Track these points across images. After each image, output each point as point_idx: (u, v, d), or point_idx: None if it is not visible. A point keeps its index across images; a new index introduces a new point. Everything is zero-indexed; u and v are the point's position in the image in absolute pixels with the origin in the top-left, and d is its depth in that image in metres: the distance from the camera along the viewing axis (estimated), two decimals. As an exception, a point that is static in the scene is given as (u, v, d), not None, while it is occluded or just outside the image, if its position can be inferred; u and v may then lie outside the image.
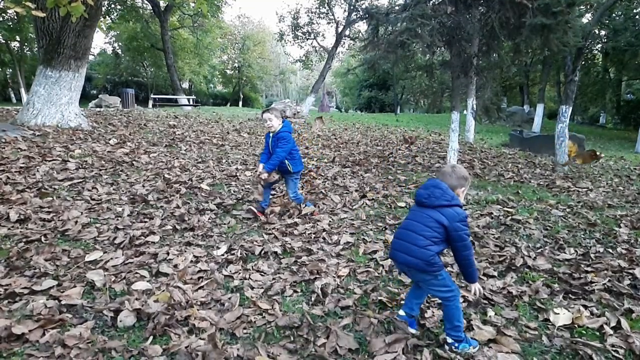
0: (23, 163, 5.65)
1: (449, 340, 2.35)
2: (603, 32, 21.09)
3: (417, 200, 2.41)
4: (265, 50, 45.05)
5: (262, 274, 3.28)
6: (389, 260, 3.55)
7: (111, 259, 3.34)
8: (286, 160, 4.39)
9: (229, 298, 2.85)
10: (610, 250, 3.88)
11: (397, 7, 7.07)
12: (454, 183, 2.40)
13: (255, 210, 4.53)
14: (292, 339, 2.45)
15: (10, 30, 23.32)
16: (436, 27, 5.74)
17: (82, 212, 4.25)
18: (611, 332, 2.53)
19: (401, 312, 2.55)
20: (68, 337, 2.30)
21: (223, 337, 2.42)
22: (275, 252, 3.66)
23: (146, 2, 26.19)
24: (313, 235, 4.10)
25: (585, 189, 6.52)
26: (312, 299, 2.91)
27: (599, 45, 23.81)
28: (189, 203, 4.86)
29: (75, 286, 2.87)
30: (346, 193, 5.62)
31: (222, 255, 3.56)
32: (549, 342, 2.47)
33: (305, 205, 4.75)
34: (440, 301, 2.43)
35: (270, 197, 4.84)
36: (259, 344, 2.35)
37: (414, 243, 2.26)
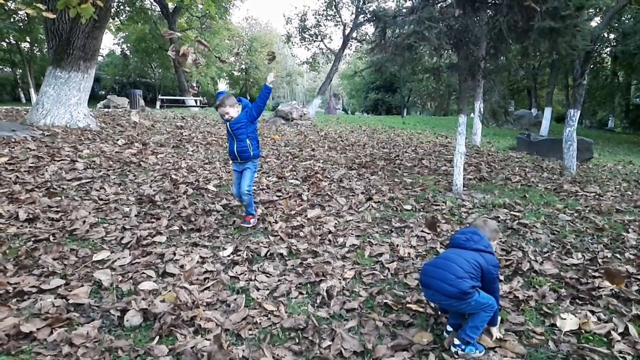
0: (32, 163, 5.70)
1: (456, 341, 2.35)
2: (612, 36, 20.95)
3: (455, 243, 2.55)
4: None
5: (268, 275, 3.29)
6: (395, 263, 3.55)
7: (118, 258, 3.37)
8: (248, 141, 4.16)
9: (235, 299, 2.86)
10: (618, 256, 3.85)
11: (404, 10, 7.06)
12: (487, 236, 2.57)
13: (249, 225, 4.31)
14: (297, 340, 2.45)
15: (21, 31, 23.56)
16: (444, 30, 5.72)
17: (90, 212, 4.29)
18: (619, 338, 2.51)
19: (449, 328, 2.55)
20: (75, 336, 2.32)
21: (228, 338, 2.43)
22: (281, 254, 3.67)
23: (155, 3, 26.37)
24: (319, 237, 4.10)
25: (593, 194, 6.47)
26: (318, 301, 2.91)
27: (608, 49, 23.66)
28: (195, 204, 4.88)
29: (82, 285, 2.90)
30: (352, 195, 5.62)
31: (228, 256, 3.58)
32: (555, 348, 2.45)
33: (250, 213, 4.37)
34: None
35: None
36: (264, 345, 2.36)
37: (452, 272, 2.32)
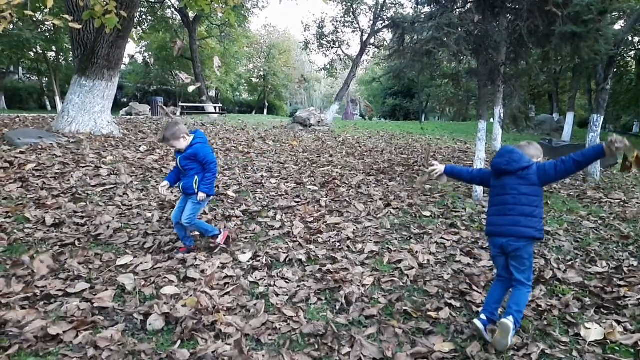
0: (58, 169, 5.86)
1: (510, 318, 2.36)
2: (637, 39, 20.46)
3: (497, 169, 2.58)
4: (290, 59, 45.47)
5: (287, 281, 3.31)
6: (414, 270, 3.53)
7: (141, 263, 3.43)
8: (196, 177, 3.60)
9: (255, 304, 2.89)
10: (645, 264, 3.75)
11: (422, 16, 7.06)
12: (532, 153, 2.62)
13: (182, 255, 3.66)
14: (316, 347, 2.46)
15: (48, 41, 24.27)
16: (463, 36, 5.70)
17: (113, 217, 4.39)
18: (646, 349, 2.45)
19: (482, 317, 2.54)
20: (100, 339, 2.37)
21: (249, 343, 2.45)
22: (300, 260, 3.68)
23: (176, 13, 26.89)
24: (337, 244, 4.10)
25: (618, 200, 6.32)
26: (337, 307, 2.91)
27: (633, 52, 23.10)
28: (215, 209, 4.94)
29: (107, 289, 2.97)
30: (370, 201, 5.61)
31: (248, 261, 3.61)
32: (580, 358, 2.40)
33: (212, 235, 3.83)
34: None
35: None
36: (284, 351, 2.37)
37: (520, 213, 2.41)
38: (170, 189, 4.06)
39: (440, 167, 2.90)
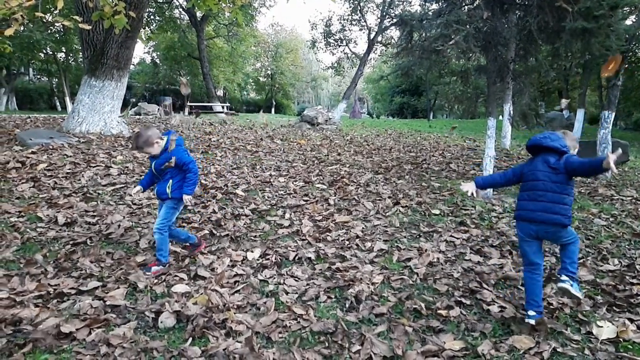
0: (69, 169, 5.92)
1: (564, 278, 2.50)
2: (649, 34, 20.14)
3: (533, 144, 2.68)
4: (297, 58, 45.53)
5: (297, 279, 3.32)
6: (424, 268, 3.52)
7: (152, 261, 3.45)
8: (171, 181, 3.40)
9: (265, 302, 2.90)
10: (658, 262, 3.71)
11: (430, 13, 7.02)
12: (567, 144, 2.67)
13: (149, 272, 3.28)
14: (326, 344, 2.47)
15: (57, 42, 24.51)
16: (471, 33, 5.67)
17: (124, 216, 4.42)
18: (660, 347, 2.42)
19: (531, 313, 2.58)
20: (112, 336, 2.40)
21: (259, 341, 2.47)
22: (309, 258, 3.69)
23: (184, 13, 27.02)
24: (346, 242, 4.11)
25: (630, 198, 6.25)
26: (346, 305, 2.92)
27: (644, 48, 22.78)
28: (224, 208, 4.96)
29: (118, 287, 3.00)
30: (379, 200, 5.60)
31: (257, 259, 3.63)
32: (592, 356, 2.38)
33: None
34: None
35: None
36: (294, 349, 2.38)
37: (551, 200, 2.52)
38: (144, 193, 4.06)
39: (470, 186, 2.90)
